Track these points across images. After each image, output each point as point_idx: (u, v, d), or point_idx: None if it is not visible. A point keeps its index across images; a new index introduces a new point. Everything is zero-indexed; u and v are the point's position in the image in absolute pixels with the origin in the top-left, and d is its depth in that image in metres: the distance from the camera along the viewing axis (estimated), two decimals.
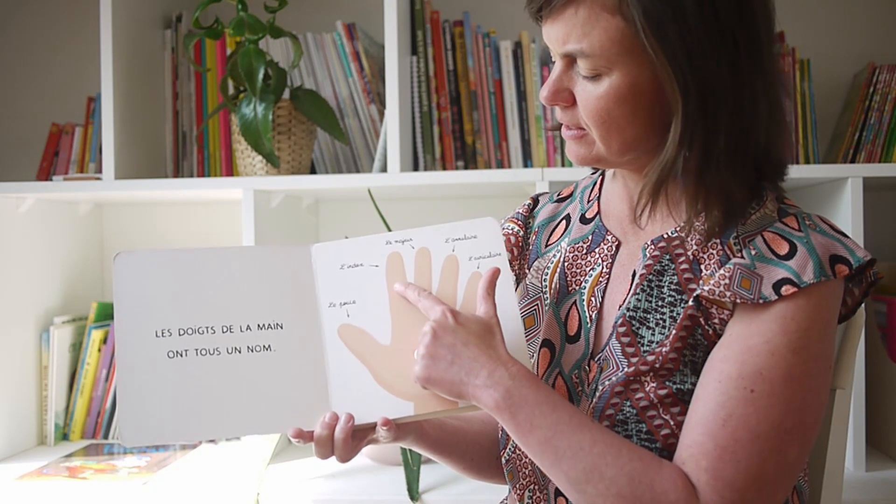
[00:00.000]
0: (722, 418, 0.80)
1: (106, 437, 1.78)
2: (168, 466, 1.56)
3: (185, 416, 0.89)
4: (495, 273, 0.92)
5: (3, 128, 2.04)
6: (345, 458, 0.91)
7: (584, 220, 1.01)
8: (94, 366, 1.78)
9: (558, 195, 1.10)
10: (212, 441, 0.92)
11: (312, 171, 1.80)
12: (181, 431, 0.90)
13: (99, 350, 1.79)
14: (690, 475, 0.80)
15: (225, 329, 0.92)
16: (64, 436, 1.79)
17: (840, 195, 1.49)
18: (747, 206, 0.88)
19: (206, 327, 0.92)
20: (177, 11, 1.86)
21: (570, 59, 0.87)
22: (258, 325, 0.93)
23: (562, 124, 0.93)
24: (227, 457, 1.61)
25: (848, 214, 1.45)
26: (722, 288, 0.83)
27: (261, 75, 1.56)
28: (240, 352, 0.92)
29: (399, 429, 0.92)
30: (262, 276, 0.95)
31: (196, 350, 0.91)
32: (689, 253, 0.89)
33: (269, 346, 0.93)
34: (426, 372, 0.86)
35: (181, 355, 0.91)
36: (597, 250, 0.97)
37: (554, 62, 0.90)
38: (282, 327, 0.94)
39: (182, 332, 0.91)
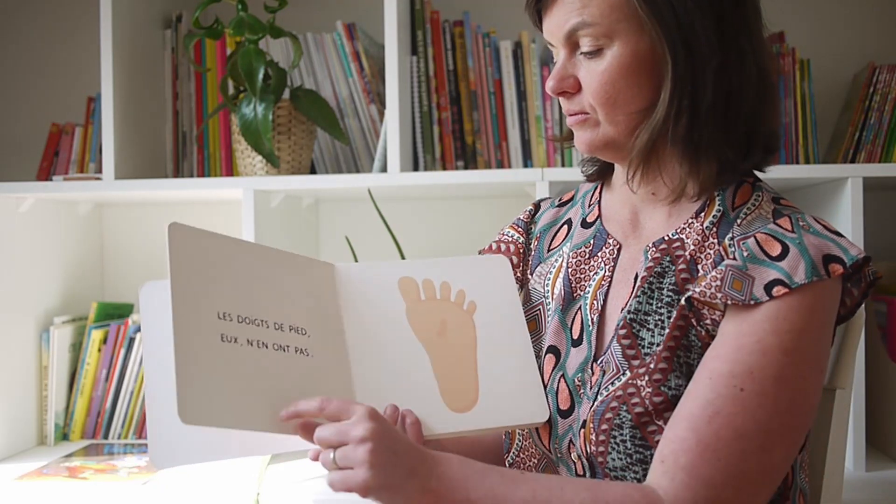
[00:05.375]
0: (709, 415, 0.80)
1: (106, 437, 1.78)
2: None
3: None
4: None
5: (3, 128, 2.04)
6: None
7: (585, 225, 1.01)
8: (94, 366, 1.78)
9: (560, 200, 1.10)
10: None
11: (312, 171, 1.80)
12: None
13: (99, 350, 1.79)
14: (665, 474, 0.80)
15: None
16: (64, 436, 1.78)
17: (840, 195, 1.49)
18: (740, 164, 0.89)
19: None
20: (177, 11, 1.86)
21: (573, 45, 0.89)
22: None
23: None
24: None
25: (848, 214, 1.45)
26: (713, 289, 0.83)
27: (261, 75, 1.56)
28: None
29: None
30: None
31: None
32: (687, 253, 0.89)
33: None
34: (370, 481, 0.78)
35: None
36: (599, 254, 0.97)
37: (555, 62, 0.92)
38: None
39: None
